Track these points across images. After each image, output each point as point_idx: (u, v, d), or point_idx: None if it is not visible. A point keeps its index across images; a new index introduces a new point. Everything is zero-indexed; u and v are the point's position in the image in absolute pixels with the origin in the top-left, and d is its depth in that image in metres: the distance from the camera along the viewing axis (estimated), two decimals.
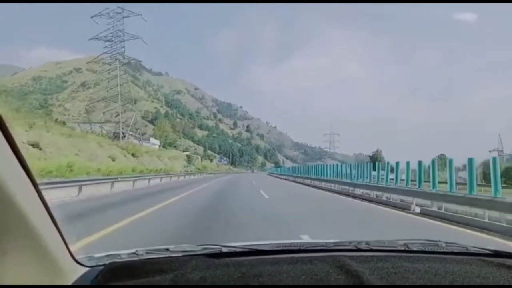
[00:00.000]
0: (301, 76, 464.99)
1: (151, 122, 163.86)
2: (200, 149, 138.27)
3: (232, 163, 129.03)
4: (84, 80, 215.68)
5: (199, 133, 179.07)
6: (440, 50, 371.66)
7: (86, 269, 0.97)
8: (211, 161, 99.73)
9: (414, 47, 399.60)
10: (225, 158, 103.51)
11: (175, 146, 76.88)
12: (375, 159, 69.15)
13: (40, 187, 0.76)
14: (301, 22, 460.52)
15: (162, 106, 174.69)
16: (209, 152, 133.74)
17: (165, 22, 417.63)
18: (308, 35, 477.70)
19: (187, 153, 69.48)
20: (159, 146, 65.51)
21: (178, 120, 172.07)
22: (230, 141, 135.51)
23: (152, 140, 66.30)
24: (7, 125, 0.62)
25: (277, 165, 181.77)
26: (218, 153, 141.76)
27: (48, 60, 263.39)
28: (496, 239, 6.47)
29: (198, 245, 1.16)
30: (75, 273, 0.91)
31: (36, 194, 0.75)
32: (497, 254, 1.15)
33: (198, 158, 76.39)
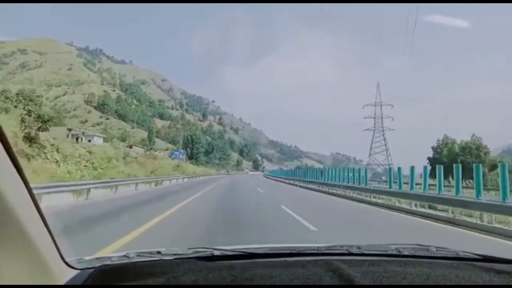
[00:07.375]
0: (275, 75, 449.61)
1: (98, 108, 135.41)
2: (161, 143, 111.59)
3: (192, 157, 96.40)
4: (25, 61, 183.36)
5: (159, 123, 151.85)
6: (410, 54, 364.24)
7: (77, 271, 0.95)
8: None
9: (384, 50, 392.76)
10: (181, 151, 75.10)
11: None
12: (459, 155, 38.79)
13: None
14: (275, 23, 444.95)
15: (114, 90, 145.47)
16: (169, 145, 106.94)
17: (133, 9, 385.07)
18: (281, 36, 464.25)
19: None
20: None
21: (133, 106, 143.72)
22: (198, 132, 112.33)
23: None
24: (2, 127, 0.60)
25: (255, 163, 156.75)
26: (183, 147, 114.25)
27: None
28: None
29: (189, 248, 1.15)
30: (65, 275, 0.90)
31: (28, 196, 0.74)
32: (487, 259, 1.15)
33: None
